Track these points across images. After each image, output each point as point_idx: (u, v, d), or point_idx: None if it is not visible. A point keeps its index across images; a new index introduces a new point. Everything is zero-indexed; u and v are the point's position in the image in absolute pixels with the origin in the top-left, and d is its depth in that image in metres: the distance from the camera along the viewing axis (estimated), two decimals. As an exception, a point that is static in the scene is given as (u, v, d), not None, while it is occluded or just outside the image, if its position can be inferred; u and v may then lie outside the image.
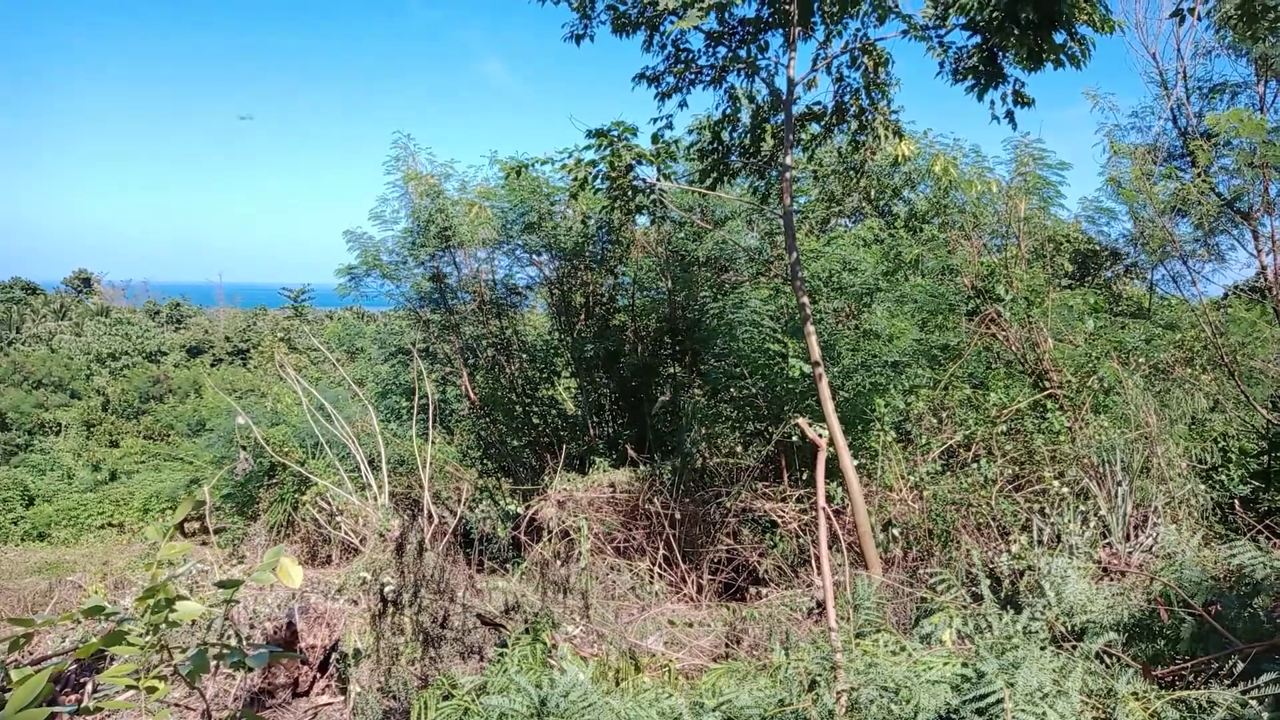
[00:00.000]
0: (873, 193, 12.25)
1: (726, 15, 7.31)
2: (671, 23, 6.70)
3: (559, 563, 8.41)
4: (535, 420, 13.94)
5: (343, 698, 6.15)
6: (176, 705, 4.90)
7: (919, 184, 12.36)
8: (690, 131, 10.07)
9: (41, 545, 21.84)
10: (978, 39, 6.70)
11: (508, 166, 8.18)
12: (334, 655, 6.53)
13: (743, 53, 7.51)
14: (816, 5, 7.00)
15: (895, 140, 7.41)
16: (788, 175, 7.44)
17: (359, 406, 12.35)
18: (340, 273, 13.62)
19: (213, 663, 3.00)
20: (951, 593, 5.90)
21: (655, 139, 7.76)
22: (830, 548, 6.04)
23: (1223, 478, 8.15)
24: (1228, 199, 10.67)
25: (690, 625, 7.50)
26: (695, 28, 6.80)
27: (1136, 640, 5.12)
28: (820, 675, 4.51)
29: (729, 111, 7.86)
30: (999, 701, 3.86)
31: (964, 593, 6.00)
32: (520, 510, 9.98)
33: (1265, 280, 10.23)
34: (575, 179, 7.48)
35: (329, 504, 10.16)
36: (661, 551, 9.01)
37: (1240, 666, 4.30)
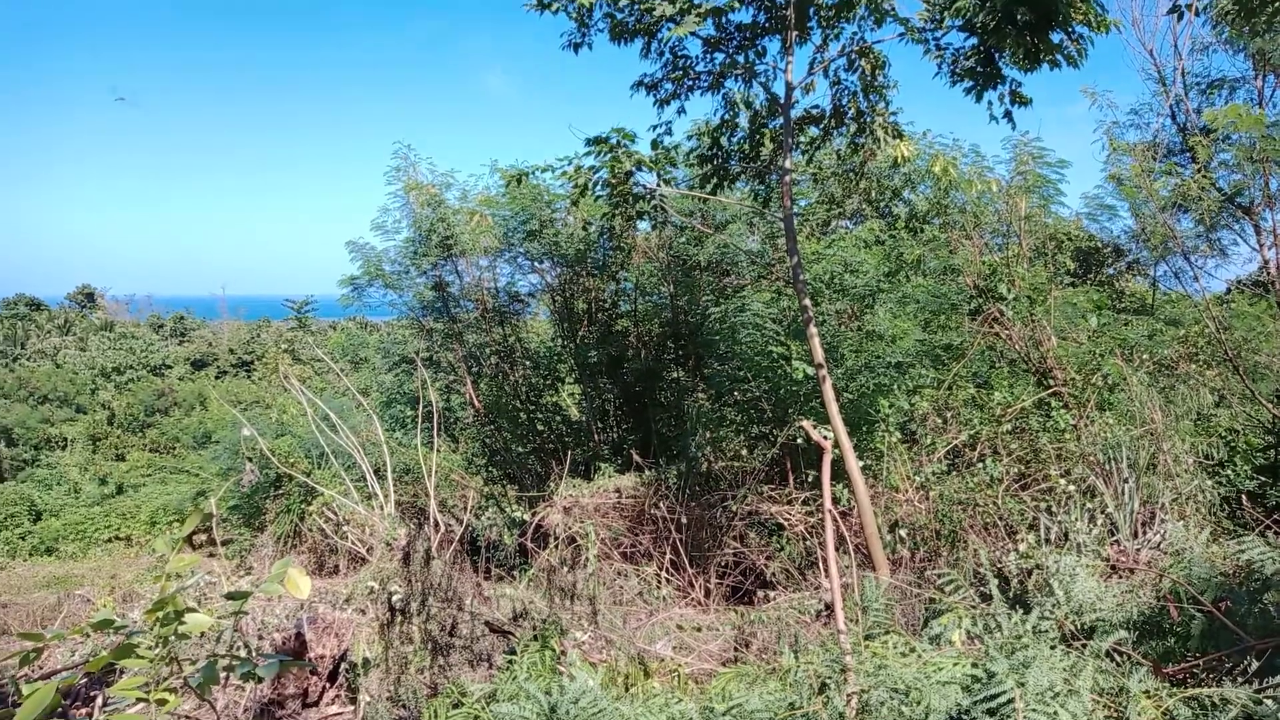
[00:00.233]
0: (873, 194, 12.26)
1: (723, 21, 7.33)
2: (669, 29, 6.71)
3: (566, 569, 8.41)
4: (540, 427, 13.95)
5: (352, 707, 6.15)
6: (187, 717, 4.91)
7: (919, 185, 12.36)
8: (689, 137, 10.10)
9: (49, 560, 21.87)
10: (974, 40, 6.71)
11: (508, 175, 8.20)
12: (343, 665, 6.54)
13: (740, 58, 7.53)
14: (812, 10, 7.02)
15: (894, 142, 7.42)
16: (787, 179, 7.45)
17: (364, 416, 12.36)
18: (343, 283, 13.67)
19: (222, 674, 3.01)
20: (960, 593, 5.89)
21: (655, 145, 7.78)
22: (837, 550, 6.04)
23: (1229, 473, 8.13)
24: (1228, 194, 10.67)
25: (699, 629, 7.50)
26: (692, 34, 6.82)
27: (1147, 638, 5.11)
28: (830, 678, 4.50)
29: (727, 117, 7.88)
30: (1010, 702, 3.86)
31: (972, 593, 5.99)
32: (526, 517, 9.97)
33: (1268, 274, 10.21)
34: (576, 186, 7.50)
35: (335, 514, 10.16)
36: (668, 556, 9.01)
37: (1253, 663, 4.29)
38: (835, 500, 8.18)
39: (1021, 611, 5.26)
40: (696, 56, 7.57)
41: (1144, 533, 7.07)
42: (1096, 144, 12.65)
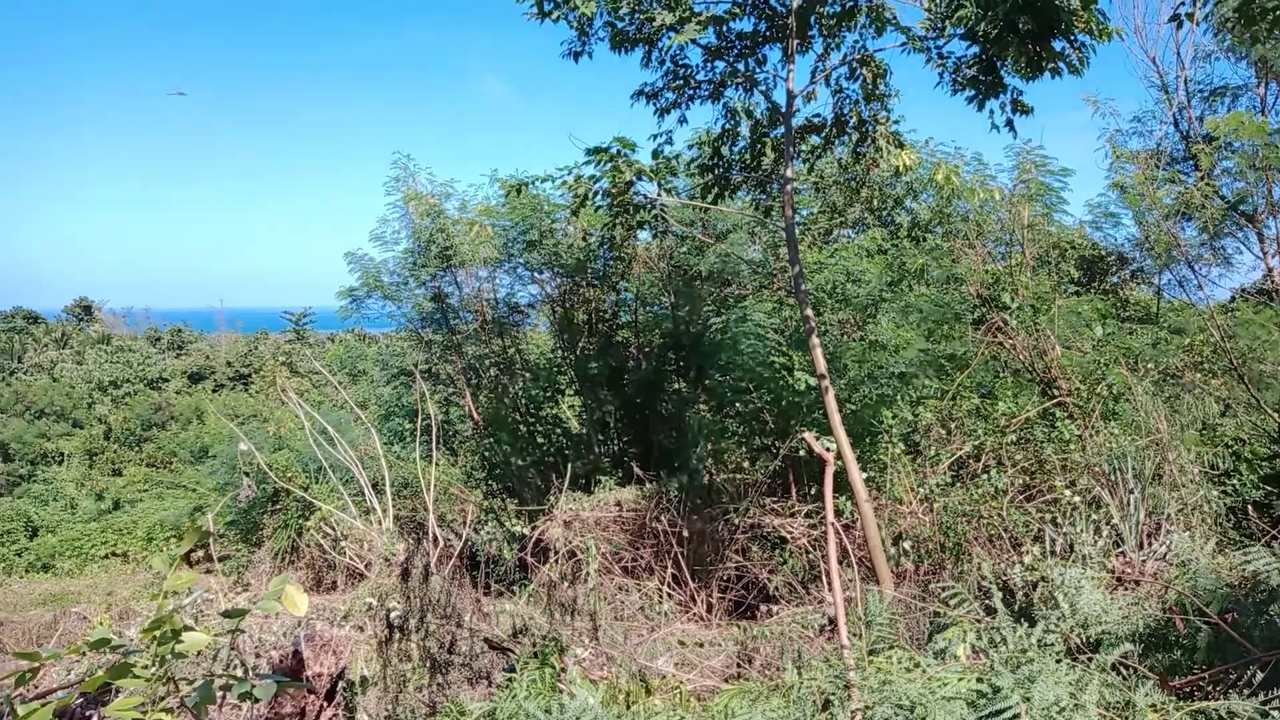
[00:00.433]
0: (875, 203, 12.23)
1: (724, 29, 7.32)
2: (669, 38, 6.70)
3: (566, 584, 8.32)
4: (540, 440, 13.87)
5: (350, 726, 6.06)
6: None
7: (921, 193, 12.34)
8: (690, 146, 10.07)
9: (46, 577, 21.77)
10: (976, 49, 6.70)
11: (508, 185, 8.17)
12: (341, 683, 6.45)
13: (741, 66, 7.51)
14: (814, 18, 7.00)
15: (896, 151, 7.39)
16: (789, 187, 7.42)
17: (362, 429, 12.31)
18: (341, 295, 13.62)
19: (219, 694, 2.95)
20: (964, 606, 5.82)
21: (655, 155, 7.75)
22: (840, 563, 5.97)
23: (1235, 483, 8.08)
24: (1232, 202, 10.65)
25: (701, 645, 7.42)
26: (693, 42, 6.80)
27: (1153, 650, 5.05)
28: (834, 694, 4.44)
29: (728, 126, 7.86)
30: (1016, 717, 3.81)
31: (977, 606, 5.92)
32: (526, 531, 9.90)
33: (1272, 283, 10.19)
34: (576, 196, 7.47)
35: (333, 529, 10.09)
36: (670, 570, 8.93)
37: (1259, 675, 4.24)
38: (838, 513, 8.12)
39: (1027, 625, 5.20)
40: (697, 65, 7.56)
41: (1149, 544, 7.01)
42: (1099, 152, 12.65)
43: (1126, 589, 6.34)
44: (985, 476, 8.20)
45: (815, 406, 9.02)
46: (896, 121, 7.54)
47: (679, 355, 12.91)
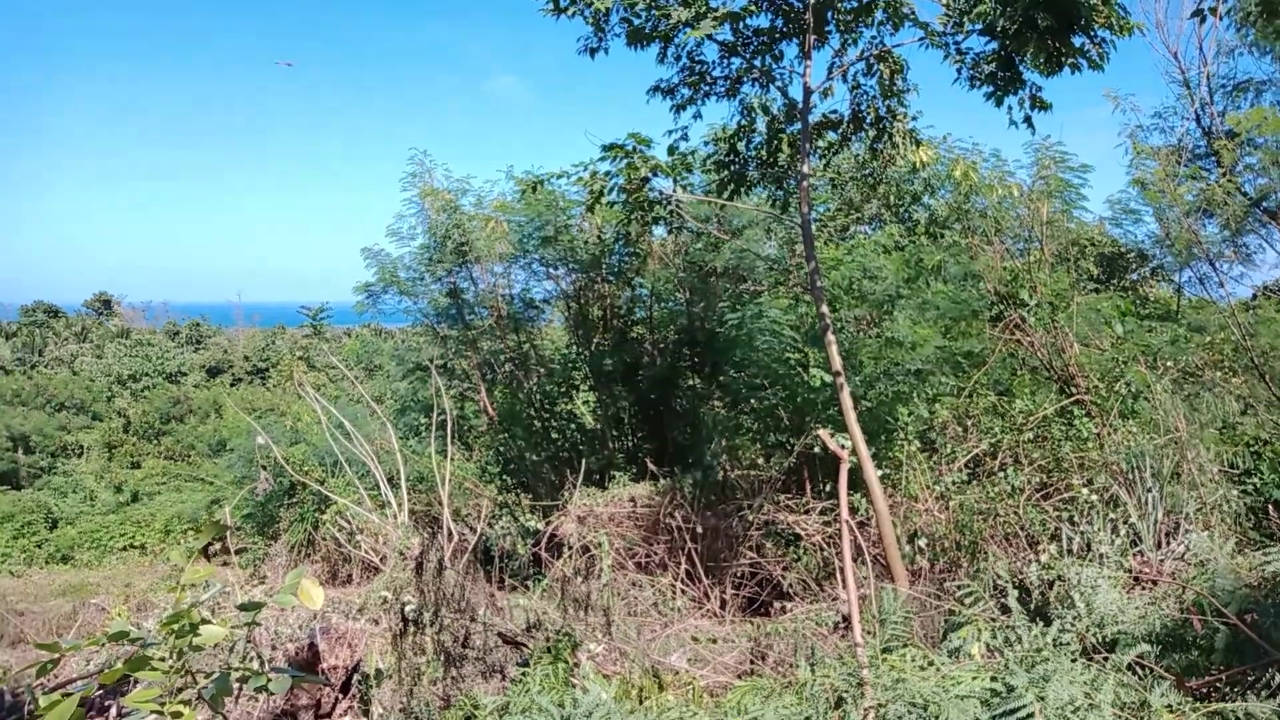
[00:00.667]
0: (892, 199, 12.17)
1: (740, 26, 7.29)
2: (685, 34, 6.67)
3: (580, 579, 8.35)
4: (554, 435, 13.90)
5: (365, 719, 6.10)
6: (199, 729, 4.87)
7: (939, 189, 12.27)
8: (706, 142, 10.05)
9: (65, 568, 22.01)
10: (995, 45, 6.65)
11: (524, 182, 8.18)
12: (356, 676, 6.50)
13: (757, 62, 7.48)
14: (830, 13, 6.97)
15: (913, 147, 7.35)
16: (805, 184, 7.39)
17: (378, 424, 12.35)
18: (358, 290, 13.70)
19: (236, 686, 2.98)
20: (979, 605, 5.79)
21: (671, 151, 7.74)
22: (855, 560, 5.95)
23: (1255, 481, 7.98)
24: (1254, 198, 10.52)
25: (714, 641, 7.42)
26: (709, 38, 6.78)
27: (1170, 651, 5.02)
28: (847, 692, 4.43)
29: (744, 122, 7.83)
30: (1030, 716, 3.79)
31: (992, 605, 5.90)
32: (540, 526, 9.93)
33: (1294, 280, 10.06)
34: (591, 192, 7.47)
35: (349, 522, 10.15)
36: (684, 566, 8.93)
37: (1278, 677, 4.20)
38: (853, 510, 8.09)
39: (1042, 624, 5.17)
40: (713, 61, 7.54)
41: (1168, 543, 6.95)
42: (1120, 148, 12.51)
43: (1144, 588, 6.29)
44: (1002, 474, 8.15)
45: (830, 403, 9.00)
46: (914, 117, 7.50)
47: (694, 351, 12.90)
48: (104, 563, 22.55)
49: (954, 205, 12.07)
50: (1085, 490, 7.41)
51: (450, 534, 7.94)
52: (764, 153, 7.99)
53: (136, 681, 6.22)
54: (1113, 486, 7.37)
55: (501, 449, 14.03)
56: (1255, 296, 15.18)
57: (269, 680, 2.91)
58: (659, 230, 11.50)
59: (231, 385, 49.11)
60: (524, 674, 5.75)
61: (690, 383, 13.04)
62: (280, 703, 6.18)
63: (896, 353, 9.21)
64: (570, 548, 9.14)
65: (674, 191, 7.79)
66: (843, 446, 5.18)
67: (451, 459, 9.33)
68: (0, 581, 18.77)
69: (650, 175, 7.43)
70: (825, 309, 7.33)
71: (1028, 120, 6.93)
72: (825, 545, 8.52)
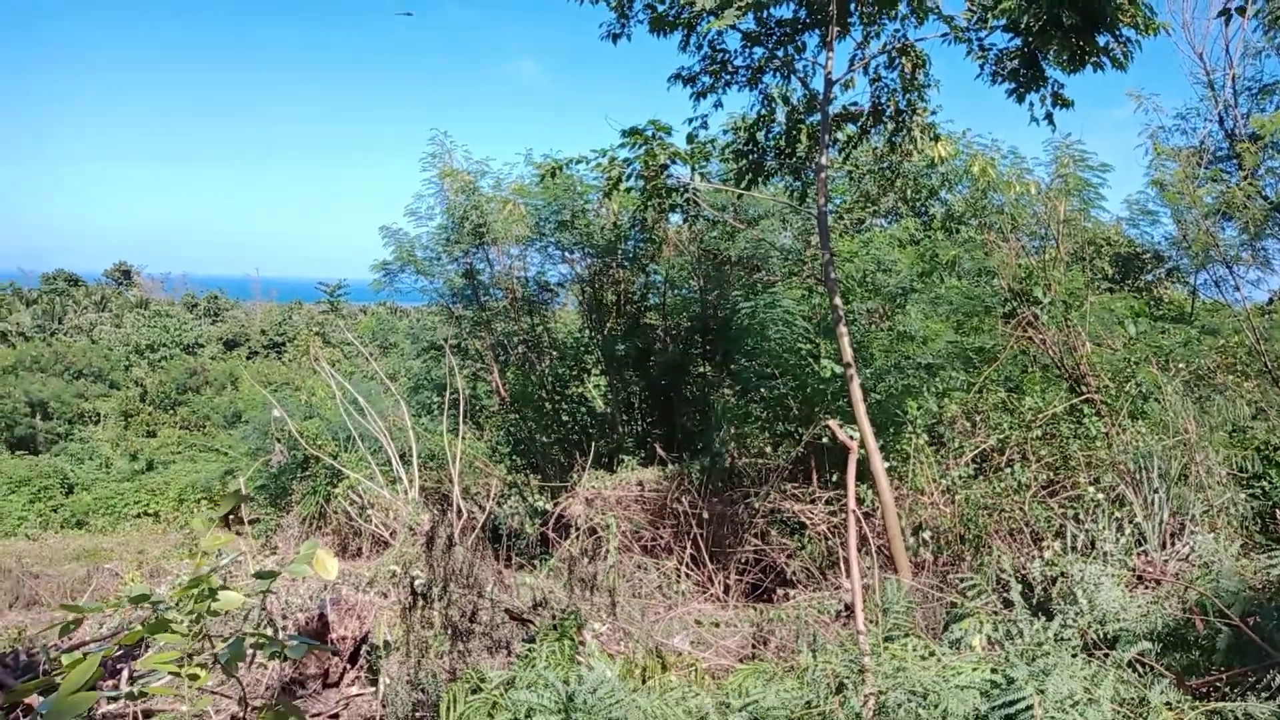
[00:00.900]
0: (909, 193, 12.14)
1: (764, 15, 7.29)
2: (708, 22, 6.69)
3: (586, 560, 8.44)
4: (564, 417, 13.99)
5: (372, 689, 6.22)
6: (213, 693, 4.99)
7: (956, 184, 12.22)
8: (725, 131, 10.05)
9: (80, 533, 22.33)
10: (1018, 41, 6.63)
11: (544, 167, 8.22)
12: (364, 647, 6.62)
13: (779, 53, 7.49)
14: (854, 5, 6.96)
15: (932, 142, 7.35)
16: (823, 175, 7.41)
17: (391, 401, 12.48)
18: (375, 268, 13.79)
19: (249, 652, 3.07)
20: (982, 598, 5.84)
21: (690, 139, 7.76)
22: (859, 550, 6.02)
23: (1264, 485, 7.98)
24: (1275, 203, 10.44)
25: (717, 625, 7.51)
26: (732, 27, 6.79)
27: (1171, 650, 5.06)
28: (848, 678, 4.50)
29: (764, 112, 7.84)
30: (1029, 708, 3.84)
31: (994, 598, 5.95)
32: (548, 507, 10.02)
33: (1312, 286, 9.99)
34: (609, 178, 7.51)
35: (360, 497, 10.27)
36: (689, 551, 9.02)
37: (1278, 679, 4.24)
38: (859, 501, 8.14)
39: (1044, 619, 5.22)
40: (735, 51, 7.55)
41: (1172, 544, 6.97)
42: (1140, 148, 12.40)
43: (1147, 588, 6.32)
44: (1008, 470, 8.18)
45: (840, 394, 9.03)
46: (934, 112, 7.50)
47: (706, 339, 12.94)
48: (118, 529, 22.86)
49: (971, 201, 12.02)
50: (1091, 489, 7.43)
51: (460, 511, 8.05)
52: (783, 143, 8.01)
53: (147, 645, 6.35)
54: (1119, 486, 7.39)
55: (512, 429, 14.14)
56: (1271, 301, 15.06)
57: (285, 648, 3.00)
58: (675, 217, 11.53)
59: (248, 358, 49.47)
60: (530, 650, 5.85)
61: (701, 370, 13.10)
62: (289, 671, 6.31)
63: (908, 346, 9.23)
64: (577, 529, 9.24)
65: (692, 179, 7.82)
66: (851, 438, 5.23)
67: (463, 438, 9.43)
68: (16, 544, 19.08)
69: (669, 163, 7.46)
70: (839, 301, 7.36)
71: (1049, 117, 6.91)
72: (830, 535, 8.58)
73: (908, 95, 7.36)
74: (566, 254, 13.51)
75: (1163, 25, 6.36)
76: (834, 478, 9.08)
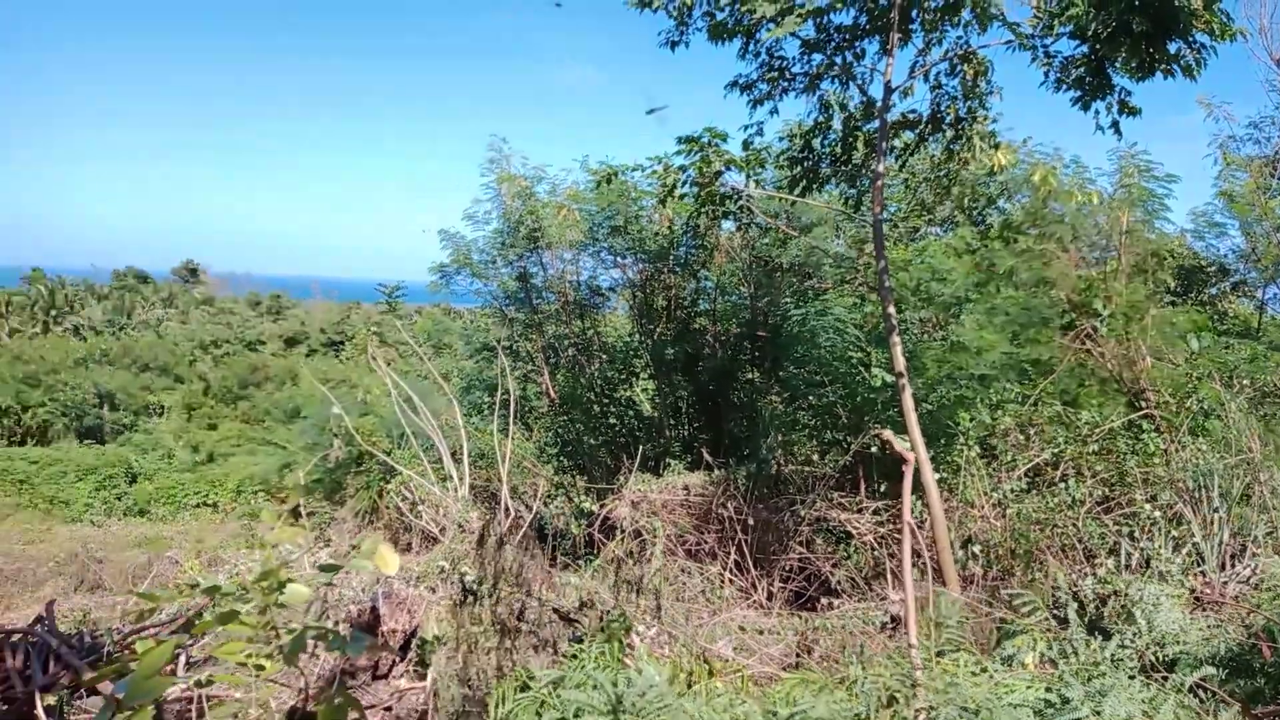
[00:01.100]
0: (966, 201, 11.97)
1: (824, 22, 7.26)
2: (768, 30, 6.69)
3: (631, 562, 8.48)
4: (612, 420, 14.07)
5: (421, 683, 6.33)
6: (273, 682, 5.14)
7: (1016, 193, 12.01)
8: (780, 138, 10.02)
9: (141, 521, 23.06)
10: (1085, 48, 6.51)
11: (599, 173, 8.31)
12: (414, 640, 6.73)
13: (838, 60, 7.45)
14: (916, 12, 6.90)
15: (992, 151, 7.26)
16: (879, 183, 7.36)
17: (444, 400, 12.67)
18: (433, 270, 14.05)
19: (311, 644, 3.16)
20: (1035, 615, 5.75)
21: (745, 146, 7.77)
22: (912, 563, 5.95)
23: (1333, 509, 7.72)
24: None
25: (760, 632, 7.48)
26: (791, 35, 6.78)
27: (1235, 676, 4.94)
28: (899, 691, 4.47)
29: (821, 119, 7.80)
30: (1084, 730, 3.78)
31: (1047, 615, 5.85)
32: (594, 508, 10.08)
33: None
34: (664, 184, 7.55)
35: (412, 493, 10.44)
36: (733, 556, 9.00)
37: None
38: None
39: (1100, 638, 5.13)
40: (793, 58, 7.52)
41: (1233, 565, 6.79)
42: (1208, 158, 12.05)
43: (1206, 610, 6.17)
44: (1063, 485, 8.03)
45: (890, 404, 8.95)
46: (994, 120, 7.39)
47: (755, 345, 12.93)
48: (178, 518, 23.56)
49: (1030, 210, 11.82)
50: (1148, 506, 7.27)
51: (508, 510, 8.15)
52: (838, 150, 7.96)
53: (204, 633, 6.50)
54: (1177, 504, 7.21)
55: (560, 431, 14.26)
56: (1343, 317, 14.52)
57: (347, 644, 3.07)
58: (727, 224, 11.55)
59: (307, 356, 50.60)
60: (577, 650, 5.90)
61: (749, 376, 13.08)
62: (341, 662, 6.45)
63: (961, 357, 9.12)
64: (623, 531, 9.28)
65: (746, 186, 7.83)
66: (904, 449, 5.20)
67: (512, 438, 9.55)
68: (82, 530, 19.79)
69: (723, 169, 7.48)
70: (892, 310, 7.30)
71: (1115, 126, 6.77)
72: (876, 545, 8.50)
73: (968, 102, 7.27)
74: (618, 259, 13.60)
75: (1239, 30, 6.19)
76: (881, 487, 9.00)
